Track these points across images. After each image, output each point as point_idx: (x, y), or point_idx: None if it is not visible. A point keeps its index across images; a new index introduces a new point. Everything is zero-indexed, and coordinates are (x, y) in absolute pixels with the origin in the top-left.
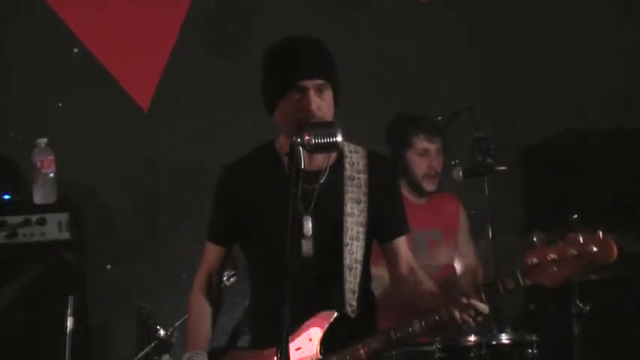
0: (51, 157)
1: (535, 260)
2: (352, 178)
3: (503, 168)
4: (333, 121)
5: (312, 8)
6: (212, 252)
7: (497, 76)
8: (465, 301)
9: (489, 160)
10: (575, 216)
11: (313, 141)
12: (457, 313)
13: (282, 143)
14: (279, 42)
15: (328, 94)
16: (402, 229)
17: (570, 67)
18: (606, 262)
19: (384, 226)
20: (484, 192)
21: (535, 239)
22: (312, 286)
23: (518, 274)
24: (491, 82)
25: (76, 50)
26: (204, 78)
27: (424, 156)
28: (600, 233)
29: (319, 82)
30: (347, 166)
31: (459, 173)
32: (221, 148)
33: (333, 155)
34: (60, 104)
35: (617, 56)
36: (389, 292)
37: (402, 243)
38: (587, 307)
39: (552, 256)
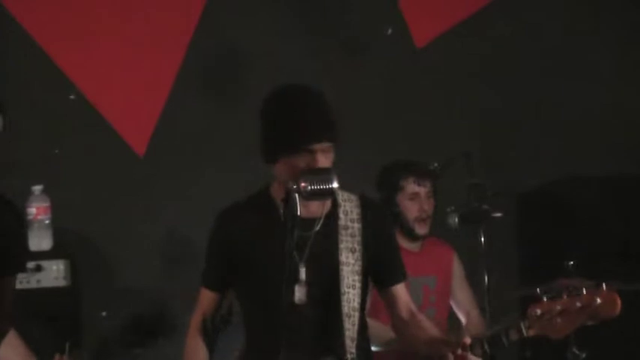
0: (46, 204)
1: (539, 312)
2: (346, 228)
3: (499, 214)
4: (329, 168)
5: (309, 54)
6: (206, 297)
7: (494, 121)
8: (460, 352)
9: (485, 207)
10: (571, 263)
11: (309, 187)
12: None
13: (277, 189)
14: (282, 95)
15: (331, 154)
16: (399, 276)
17: (568, 113)
18: (610, 316)
19: (381, 274)
20: (480, 239)
21: (538, 291)
22: (310, 335)
23: (522, 326)
24: (488, 127)
25: (72, 97)
26: (202, 123)
27: (414, 200)
28: (604, 286)
29: (327, 145)
30: (341, 215)
31: (454, 219)
32: (218, 196)
33: (328, 203)
34: (56, 151)
35: (617, 102)
36: (387, 345)
37: (400, 289)
38: (584, 354)
39: (557, 308)
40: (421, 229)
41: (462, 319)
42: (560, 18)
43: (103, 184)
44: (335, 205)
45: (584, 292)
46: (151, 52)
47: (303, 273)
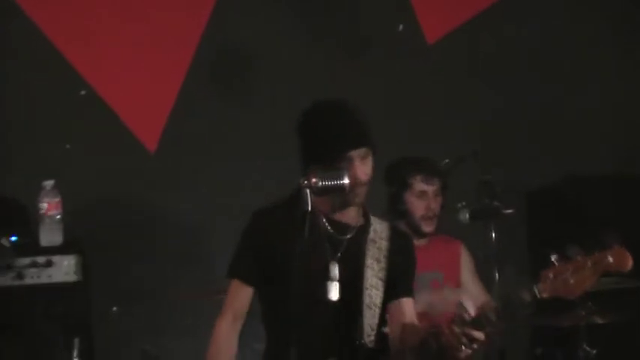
0: (57, 199)
1: (551, 275)
2: (374, 242)
3: (510, 211)
4: (340, 165)
5: (318, 52)
6: (239, 292)
7: (504, 119)
8: (457, 329)
9: (496, 203)
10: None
11: (320, 183)
12: (448, 336)
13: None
14: (319, 107)
15: (369, 160)
16: (408, 291)
17: (580, 112)
18: (622, 270)
19: (393, 284)
20: (490, 234)
21: (553, 259)
22: (333, 327)
23: (535, 289)
24: (499, 125)
25: (83, 92)
26: (212, 120)
27: (422, 198)
28: (616, 246)
29: (364, 151)
30: (371, 231)
31: (465, 215)
32: (228, 193)
33: (362, 218)
34: (67, 146)
35: (624, 100)
36: None
37: (407, 305)
38: (595, 351)
39: (570, 268)
40: (427, 227)
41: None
42: (575, 13)
43: (114, 179)
44: (367, 223)
45: (596, 252)
46: (161, 49)
47: (336, 270)
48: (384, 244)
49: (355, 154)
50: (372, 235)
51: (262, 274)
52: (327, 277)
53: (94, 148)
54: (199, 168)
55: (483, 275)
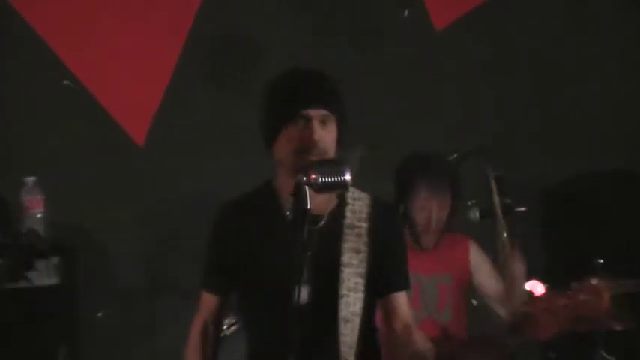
0: (39, 197)
1: (545, 305)
2: (352, 227)
3: (522, 209)
4: (341, 159)
5: (318, 40)
6: (208, 301)
7: (516, 112)
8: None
9: (508, 201)
10: (602, 261)
11: (320, 180)
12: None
13: (280, 183)
14: (281, 74)
15: (332, 128)
16: (402, 283)
17: (595, 105)
18: (595, 313)
19: (383, 278)
20: (502, 233)
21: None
22: (308, 338)
23: (507, 327)
24: (510, 117)
25: (67, 83)
26: (204, 112)
27: (425, 209)
28: (594, 280)
29: (323, 112)
30: (348, 213)
31: (475, 214)
32: (222, 186)
33: (334, 200)
34: (51, 141)
35: None
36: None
37: (401, 298)
38: (613, 358)
39: (543, 305)
40: (426, 242)
41: (501, 312)
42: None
43: (101, 175)
44: (342, 204)
45: (573, 288)
46: (150, 38)
47: (305, 273)
48: (364, 226)
49: (313, 113)
50: (349, 219)
51: (232, 275)
52: (296, 282)
53: (80, 143)
54: (191, 163)
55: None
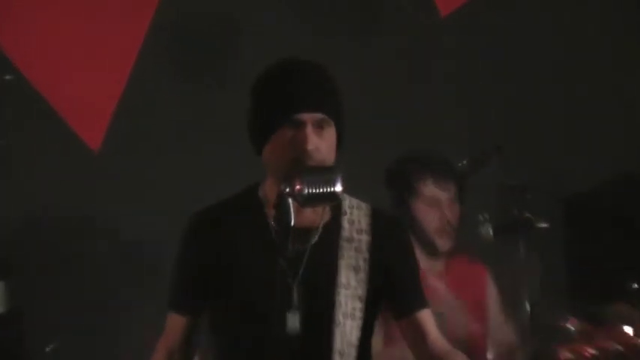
0: None
1: (569, 356)
2: (350, 240)
3: (544, 225)
4: (332, 166)
5: (311, 25)
6: (175, 324)
7: (534, 109)
8: None
9: (527, 215)
10: (636, 286)
11: (306, 190)
12: None
13: (267, 191)
14: (272, 66)
15: (329, 133)
16: (422, 301)
17: (624, 102)
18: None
19: (397, 299)
20: (519, 254)
21: (572, 328)
22: None
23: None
24: (526, 115)
25: (8, 78)
26: (171, 112)
27: (434, 206)
28: (627, 310)
29: (319, 116)
30: (345, 224)
31: (488, 231)
32: (189, 195)
33: (328, 210)
34: None
35: None
36: None
37: (426, 316)
38: None
39: (591, 351)
40: (443, 243)
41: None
42: None
43: (51, 185)
44: (338, 214)
45: (628, 330)
46: (106, 24)
47: (295, 296)
48: (364, 239)
49: (308, 117)
50: (346, 231)
51: (206, 295)
52: (286, 306)
53: (26, 148)
54: (154, 169)
55: (511, 307)
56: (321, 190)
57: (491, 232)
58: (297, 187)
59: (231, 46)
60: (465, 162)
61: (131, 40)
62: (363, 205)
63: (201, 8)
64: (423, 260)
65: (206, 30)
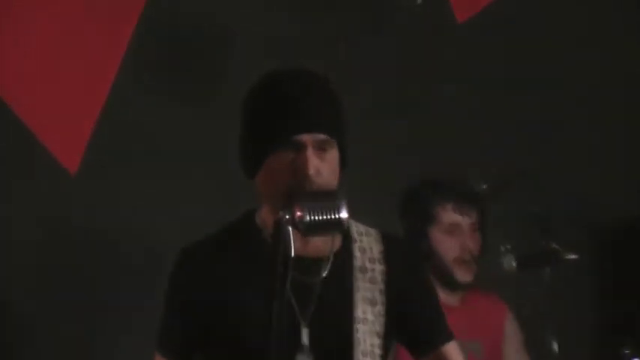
0: None
1: None
2: (364, 270)
3: (573, 256)
4: (336, 191)
5: (312, 30)
6: None
7: (561, 127)
8: None
9: (553, 245)
10: None
11: (307, 218)
12: None
13: (265, 218)
14: (266, 77)
15: (332, 155)
16: (447, 333)
17: None
18: None
19: (420, 332)
20: (544, 288)
21: None
22: None
23: None
24: (552, 136)
25: None
26: (156, 128)
27: (454, 233)
28: None
29: (321, 137)
30: (357, 253)
31: (510, 263)
32: (174, 223)
33: (338, 238)
34: None
35: None
36: None
37: (452, 350)
38: None
39: None
40: (463, 275)
41: None
42: None
43: (25, 209)
44: (347, 241)
45: None
46: (85, 41)
47: (306, 337)
48: (378, 269)
49: (308, 139)
50: (359, 259)
51: (198, 336)
52: (295, 349)
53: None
54: (136, 192)
55: (534, 352)
56: (325, 217)
57: (513, 263)
58: (298, 213)
59: (223, 56)
60: (485, 186)
61: (113, 47)
62: (372, 230)
63: (188, 11)
64: (440, 296)
65: (195, 40)
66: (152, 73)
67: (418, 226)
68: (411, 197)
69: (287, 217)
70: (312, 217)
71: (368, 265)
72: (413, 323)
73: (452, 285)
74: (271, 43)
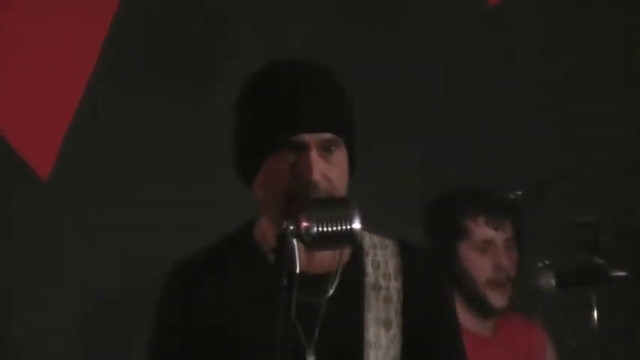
0: None
1: None
2: (377, 288)
3: (620, 273)
4: (346, 198)
5: (320, 18)
6: None
7: (607, 121)
8: None
9: (599, 261)
10: None
11: (315, 229)
12: None
13: (265, 231)
14: (262, 71)
15: (340, 157)
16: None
17: None
18: None
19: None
20: (590, 311)
21: None
22: None
23: None
24: (597, 132)
25: None
26: (136, 129)
27: (487, 251)
28: None
29: (327, 136)
30: (369, 269)
31: (549, 281)
32: (159, 237)
33: (346, 251)
34: None
35: None
36: None
37: None
38: None
39: None
40: (498, 299)
41: None
42: None
43: None
44: (358, 255)
45: None
46: (58, 39)
47: None
48: (393, 286)
49: (311, 139)
50: (371, 276)
51: None
52: None
53: None
54: (115, 201)
55: None
56: (335, 228)
57: (553, 282)
58: (304, 224)
59: (215, 45)
60: (518, 193)
61: (89, 39)
62: (388, 242)
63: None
64: (467, 320)
65: (181, 24)
66: (133, 68)
67: (446, 243)
68: (436, 209)
69: (292, 227)
70: (321, 228)
71: (382, 281)
72: (427, 349)
73: (484, 311)
74: (269, 26)
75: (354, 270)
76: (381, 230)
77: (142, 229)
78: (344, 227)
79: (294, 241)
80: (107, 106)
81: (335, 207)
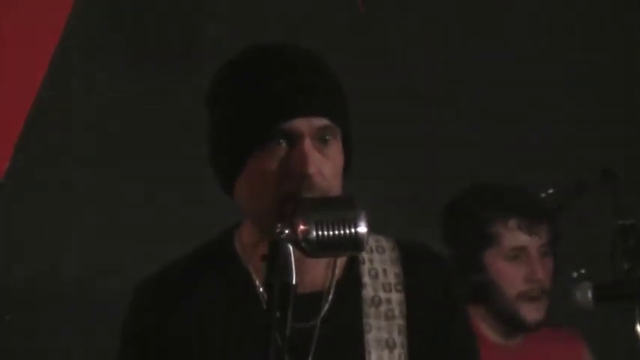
0: None
1: None
2: (377, 302)
3: None
4: (350, 198)
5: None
6: None
7: None
8: None
9: None
10: None
11: (314, 233)
12: None
13: (246, 242)
14: (246, 52)
15: (335, 150)
16: None
17: None
18: None
19: None
20: (634, 327)
21: None
22: None
23: None
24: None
25: None
26: (102, 122)
27: (519, 259)
28: None
29: (323, 122)
30: (366, 279)
31: (586, 294)
32: (122, 244)
33: (340, 261)
34: None
35: None
36: None
37: None
38: None
39: None
40: (531, 314)
41: None
42: None
43: None
44: (354, 264)
45: None
46: (17, 26)
47: None
48: (395, 300)
49: (305, 127)
50: (368, 289)
51: None
52: None
53: None
54: (79, 202)
55: None
56: (337, 232)
57: (590, 294)
58: (301, 227)
59: (196, 28)
60: (549, 192)
61: (49, 26)
62: (385, 244)
63: None
64: (493, 333)
65: (156, 11)
66: (105, 46)
67: (470, 252)
68: (459, 211)
69: (287, 231)
70: (321, 233)
71: (382, 294)
72: None
73: (515, 326)
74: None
75: (350, 282)
76: (390, 229)
77: (113, 229)
78: (348, 231)
79: (290, 247)
80: (72, 98)
81: (337, 207)
